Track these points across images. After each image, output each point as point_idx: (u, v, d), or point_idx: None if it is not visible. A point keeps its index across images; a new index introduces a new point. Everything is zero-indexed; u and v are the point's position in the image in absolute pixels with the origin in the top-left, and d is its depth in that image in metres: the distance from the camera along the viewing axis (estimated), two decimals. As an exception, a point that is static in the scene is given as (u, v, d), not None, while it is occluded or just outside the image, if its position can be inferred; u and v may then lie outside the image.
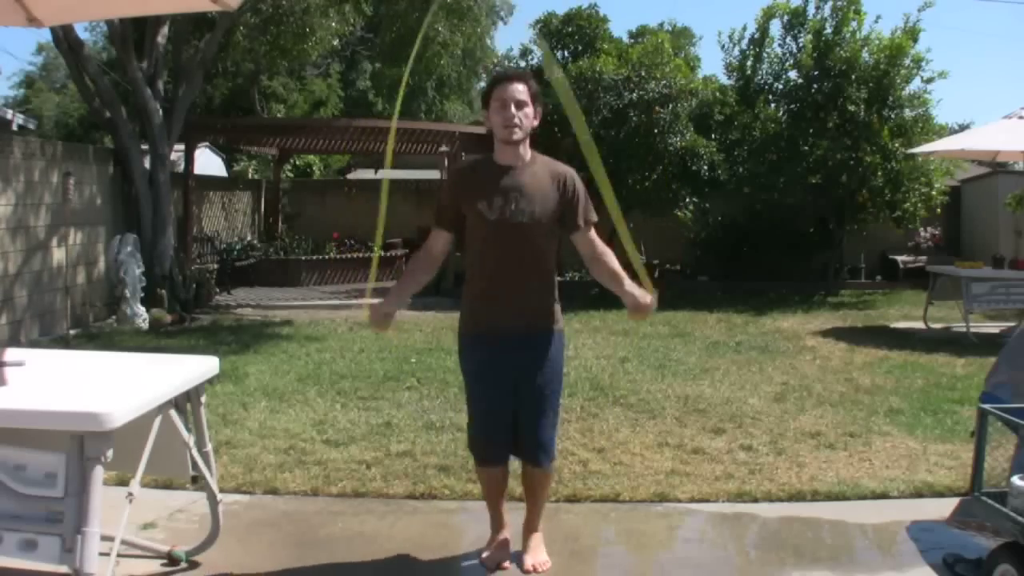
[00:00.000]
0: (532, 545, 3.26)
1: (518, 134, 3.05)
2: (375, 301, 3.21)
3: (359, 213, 14.63)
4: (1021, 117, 8.98)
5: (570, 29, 12.61)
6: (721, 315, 10.04)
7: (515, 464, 3.30)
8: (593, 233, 3.19)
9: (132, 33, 10.18)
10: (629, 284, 3.16)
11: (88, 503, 2.38)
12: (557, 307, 3.18)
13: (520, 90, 3.05)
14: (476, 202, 3.04)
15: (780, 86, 12.53)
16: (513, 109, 3.02)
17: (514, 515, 3.38)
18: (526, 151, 3.11)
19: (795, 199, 11.91)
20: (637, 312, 3.13)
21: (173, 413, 2.86)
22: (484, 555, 3.28)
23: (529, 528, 3.30)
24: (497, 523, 3.32)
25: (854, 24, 11.77)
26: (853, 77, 11.34)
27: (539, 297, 3.12)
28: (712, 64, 70.33)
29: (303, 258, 13.16)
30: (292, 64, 16.06)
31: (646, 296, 3.12)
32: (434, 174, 14.63)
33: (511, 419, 3.12)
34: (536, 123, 3.12)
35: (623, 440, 4.83)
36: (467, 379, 3.23)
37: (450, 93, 26.08)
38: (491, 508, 3.32)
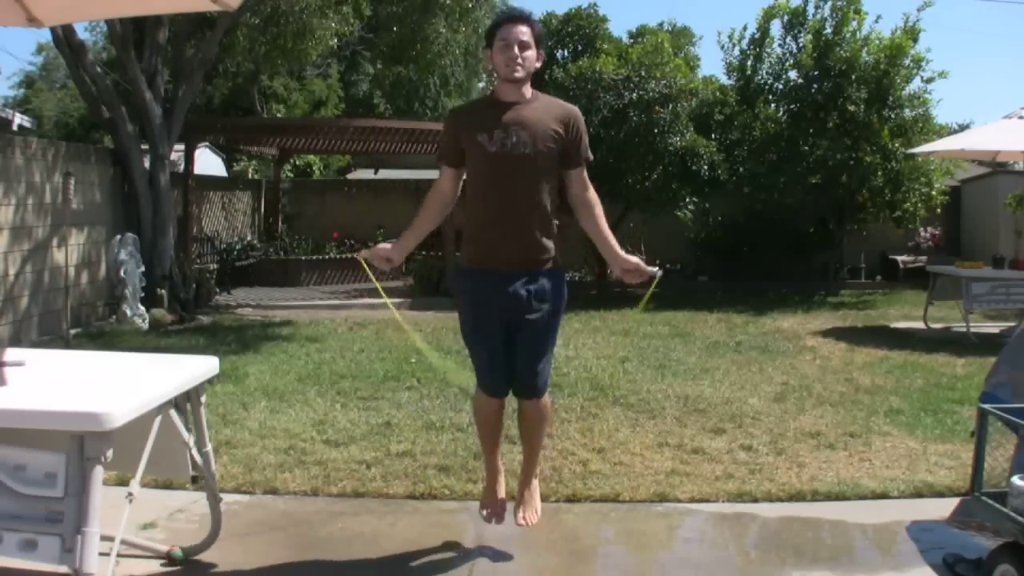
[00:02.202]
0: (525, 498, 3.33)
1: (520, 72, 3.06)
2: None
3: (359, 213, 14.64)
4: (1021, 117, 8.98)
5: (570, 29, 12.60)
6: (721, 315, 10.04)
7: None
8: (585, 175, 3.22)
9: (132, 33, 10.18)
10: (613, 244, 3.18)
11: (88, 503, 2.38)
12: (555, 243, 3.17)
13: (524, 31, 3.08)
14: (476, 134, 3.06)
15: (780, 86, 12.53)
16: (516, 50, 3.05)
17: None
18: (528, 90, 3.13)
19: (795, 199, 11.91)
20: (629, 275, 3.14)
21: (173, 413, 2.86)
22: (483, 512, 3.37)
23: (525, 477, 3.35)
24: (492, 469, 3.37)
25: (854, 24, 11.77)
26: (853, 77, 11.35)
27: (539, 231, 3.11)
28: (712, 64, 70.38)
29: (303, 258, 13.17)
30: (292, 64, 16.04)
31: (631, 258, 3.14)
32: (434, 174, 14.56)
33: (509, 351, 3.13)
34: (539, 65, 3.14)
35: (623, 440, 4.83)
36: (466, 310, 3.21)
37: (452, 92, 26.09)
38: (486, 451, 3.36)
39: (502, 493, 3.40)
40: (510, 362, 3.15)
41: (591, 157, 3.25)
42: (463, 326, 3.23)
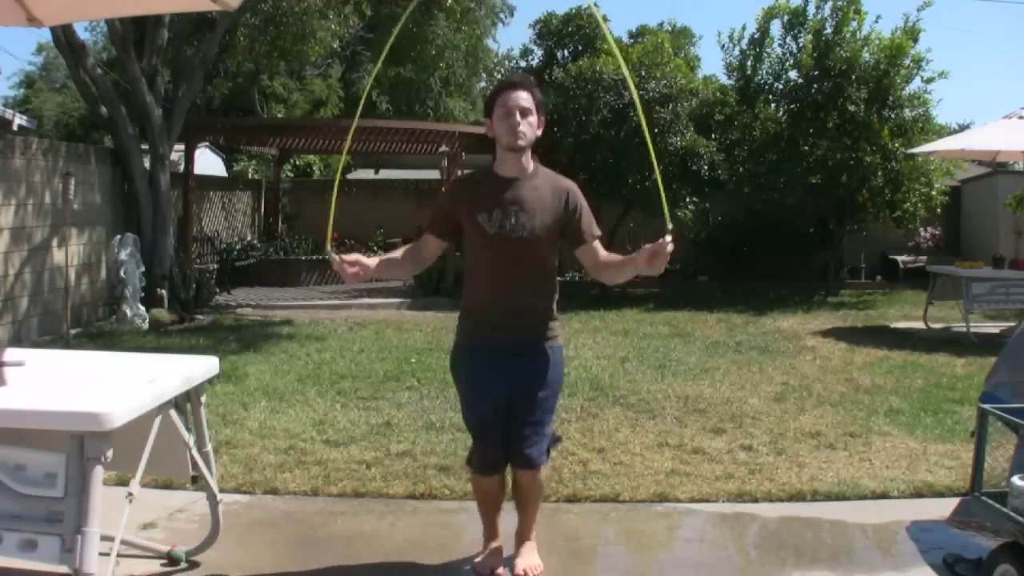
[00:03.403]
0: (524, 551, 3.24)
1: (523, 141, 3.00)
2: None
3: (359, 213, 14.63)
4: (1021, 117, 8.98)
5: (570, 29, 12.61)
6: (721, 315, 10.04)
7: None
8: (597, 244, 3.13)
9: (132, 33, 10.18)
10: (628, 259, 3.04)
11: (88, 503, 2.38)
12: (557, 322, 3.15)
13: (524, 98, 3.01)
14: (476, 214, 3.01)
15: (780, 86, 12.53)
16: (518, 117, 2.99)
17: (509, 523, 3.38)
18: (528, 162, 3.07)
19: (795, 199, 11.91)
20: (655, 259, 2.87)
21: (173, 413, 2.86)
22: (476, 560, 3.26)
23: (522, 537, 3.27)
24: (490, 533, 3.29)
25: (854, 24, 11.77)
26: (853, 77, 11.34)
27: (538, 311, 3.09)
28: (712, 64, 70.34)
29: (303, 258, 13.17)
30: (292, 64, 16.05)
31: (644, 248, 2.91)
32: (434, 174, 14.65)
33: (505, 430, 3.07)
34: (540, 132, 3.08)
35: (623, 440, 4.83)
36: (462, 389, 3.18)
37: (453, 91, 26.09)
38: (485, 518, 3.28)
39: (501, 554, 3.29)
40: (505, 442, 3.09)
41: (599, 232, 3.16)
42: (463, 406, 3.19)
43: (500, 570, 3.20)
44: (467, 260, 3.14)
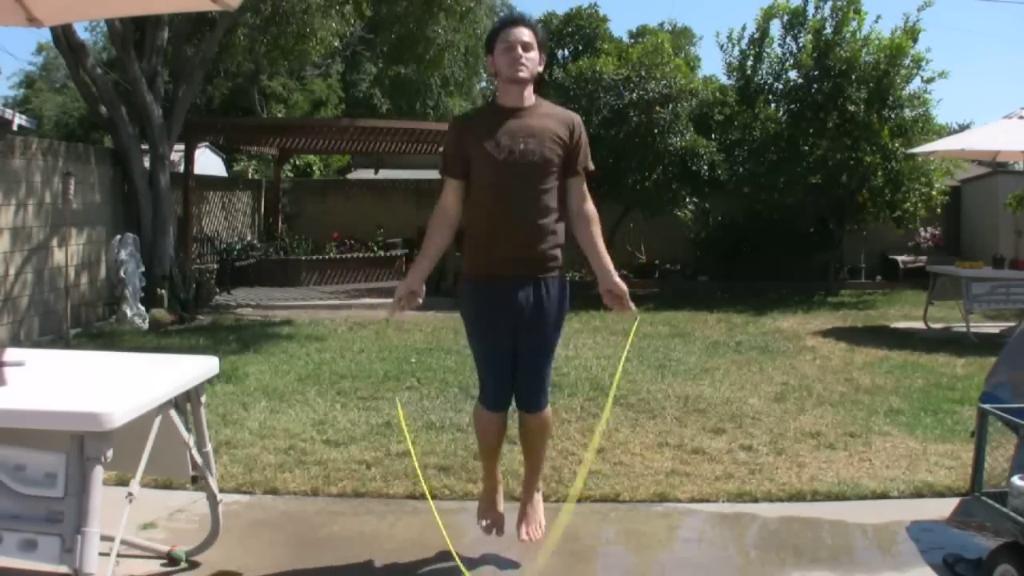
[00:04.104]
0: (528, 513, 3.28)
1: (524, 72, 3.04)
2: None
3: (359, 213, 14.64)
4: (1021, 117, 8.98)
5: (570, 29, 12.61)
6: (721, 315, 10.04)
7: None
8: (584, 187, 3.19)
9: (132, 33, 10.18)
10: (607, 261, 3.14)
11: (88, 503, 2.38)
12: (561, 249, 3.15)
13: (525, 33, 3.06)
14: (483, 142, 3.03)
15: (780, 86, 12.53)
16: (520, 50, 3.03)
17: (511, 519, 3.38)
18: (530, 95, 3.11)
19: (795, 199, 11.91)
20: (611, 298, 3.12)
21: (173, 413, 2.86)
22: (483, 523, 3.33)
23: (528, 490, 3.31)
24: (491, 480, 3.32)
25: (854, 24, 11.77)
26: (853, 77, 11.34)
27: (545, 237, 3.09)
28: (712, 64, 70.31)
29: (303, 258, 13.16)
30: (292, 64, 16.04)
31: (621, 285, 3.12)
32: (434, 174, 14.59)
33: (512, 361, 3.11)
34: (540, 68, 3.12)
35: (623, 440, 4.83)
36: (469, 322, 3.19)
37: (453, 91, 26.10)
38: (485, 463, 3.32)
39: (501, 506, 3.36)
40: (512, 376, 3.13)
41: (591, 167, 3.22)
42: (470, 337, 3.20)
43: (501, 531, 3.28)
44: (472, 193, 3.12)
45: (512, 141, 3.01)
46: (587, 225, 3.17)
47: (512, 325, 3.07)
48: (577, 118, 3.18)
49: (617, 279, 3.14)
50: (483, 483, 3.40)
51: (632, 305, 3.14)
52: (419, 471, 3.71)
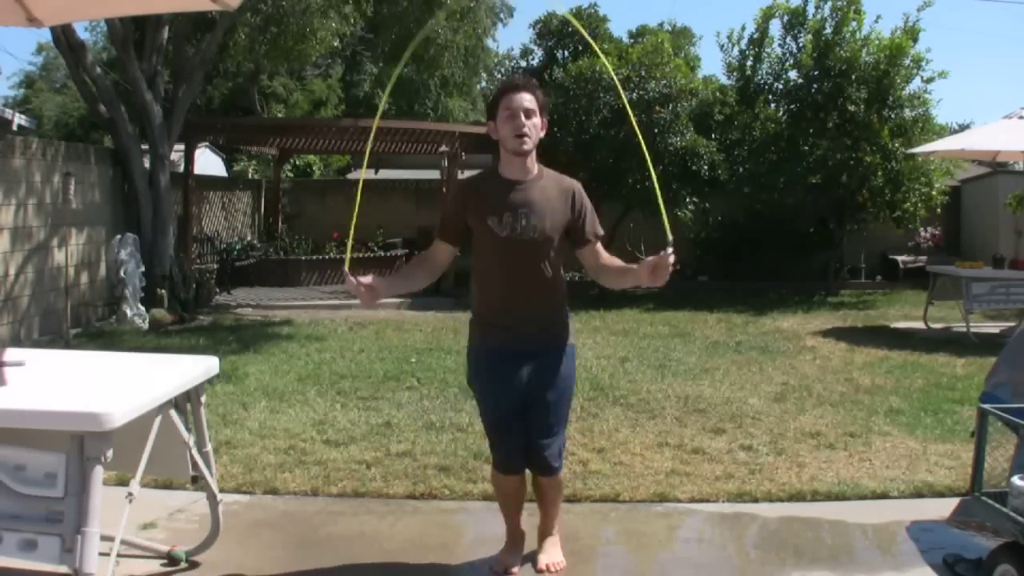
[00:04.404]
0: (547, 546, 3.26)
1: (528, 144, 3.00)
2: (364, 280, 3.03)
3: (359, 213, 14.61)
4: (1021, 117, 8.98)
5: (570, 29, 12.60)
6: (721, 315, 10.04)
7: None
8: (599, 246, 3.14)
9: (132, 33, 10.18)
10: (630, 268, 3.06)
11: (88, 503, 2.38)
12: (568, 320, 3.16)
13: (528, 99, 3.00)
14: (486, 218, 3.01)
15: (780, 86, 12.52)
16: (523, 118, 2.98)
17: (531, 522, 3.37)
18: (533, 164, 3.08)
19: (795, 199, 11.91)
20: (657, 272, 2.86)
21: (173, 413, 2.86)
22: (496, 560, 3.25)
23: (544, 532, 3.29)
24: (513, 532, 3.29)
25: (854, 24, 11.76)
26: (853, 77, 11.34)
27: (550, 311, 3.11)
28: (712, 64, 70.33)
29: (303, 258, 13.16)
30: (292, 64, 16.03)
31: (647, 260, 2.91)
32: (434, 174, 14.64)
33: (524, 430, 3.09)
34: (543, 134, 3.08)
35: (623, 440, 4.83)
36: (478, 393, 3.19)
37: (453, 91, 26.10)
38: (507, 518, 3.29)
39: (522, 552, 3.30)
40: (524, 439, 3.10)
41: (601, 232, 3.18)
42: (483, 409, 3.19)
43: (516, 569, 3.20)
44: (476, 264, 3.13)
45: (514, 218, 2.99)
46: (609, 274, 3.14)
47: (520, 393, 3.06)
48: (577, 186, 3.14)
49: (640, 267, 2.91)
50: (506, 536, 3.32)
51: (664, 253, 2.81)
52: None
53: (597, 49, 3.81)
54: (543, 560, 3.21)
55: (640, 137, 3.21)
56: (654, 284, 2.90)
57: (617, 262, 3.15)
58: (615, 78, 3.79)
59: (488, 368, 3.11)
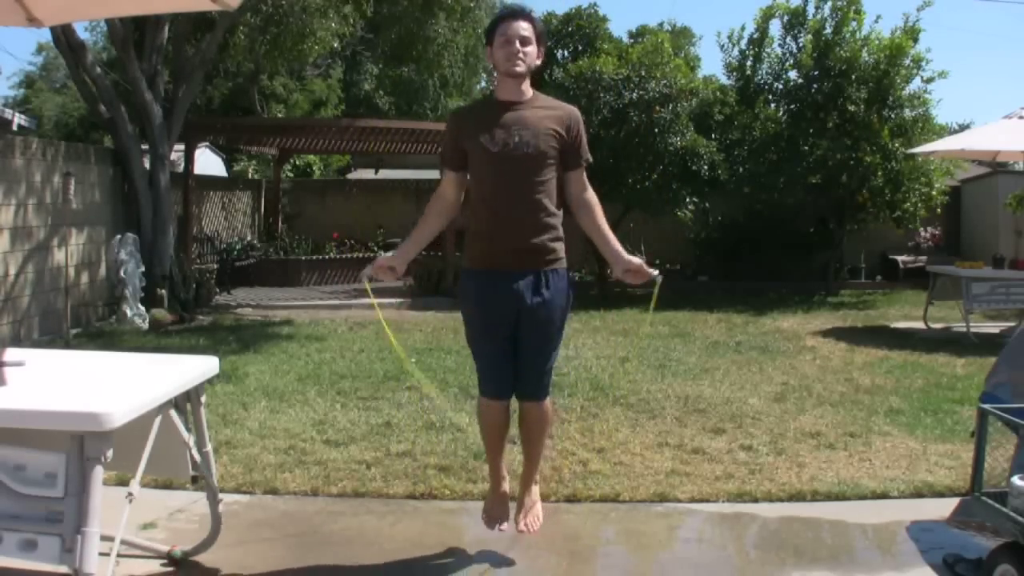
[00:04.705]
0: (527, 504, 3.28)
1: (521, 67, 3.05)
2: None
3: (359, 213, 14.63)
4: (1021, 117, 8.98)
5: (570, 29, 12.60)
6: (721, 315, 10.04)
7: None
8: (583, 174, 3.21)
9: (132, 33, 10.18)
10: (615, 244, 3.15)
11: (88, 503, 2.38)
12: (561, 243, 3.16)
13: (524, 27, 3.07)
14: (478, 135, 3.05)
15: (780, 86, 12.52)
16: (518, 44, 3.04)
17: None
18: (528, 88, 3.12)
19: (795, 199, 11.91)
20: (633, 275, 3.09)
21: (173, 413, 2.86)
22: (484, 510, 3.31)
23: (526, 482, 3.31)
24: (496, 476, 3.32)
25: (854, 24, 11.76)
26: (853, 77, 11.34)
27: (542, 229, 3.10)
28: (712, 64, 70.33)
29: (303, 258, 13.16)
30: (292, 64, 16.04)
31: (635, 259, 3.11)
32: (434, 174, 14.64)
33: (512, 356, 3.11)
34: (539, 62, 3.13)
35: (623, 440, 4.83)
36: (467, 310, 3.20)
37: (453, 91, 26.07)
38: (490, 456, 3.32)
39: (507, 507, 3.35)
40: (513, 365, 3.13)
41: (590, 159, 3.24)
42: (467, 328, 3.21)
43: (504, 526, 3.24)
44: (472, 186, 3.15)
45: (507, 134, 3.03)
46: (589, 212, 3.20)
47: (512, 314, 3.07)
48: (574, 111, 3.19)
49: (628, 256, 3.13)
50: (489, 481, 3.38)
51: (652, 271, 3.08)
52: (402, 356, 3.53)
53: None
54: (521, 520, 3.24)
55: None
56: (623, 279, 3.10)
57: (600, 213, 3.21)
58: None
59: (477, 290, 3.12)
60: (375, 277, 3.20)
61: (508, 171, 3.04)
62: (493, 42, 3.10)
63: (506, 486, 3.35)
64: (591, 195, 3.22)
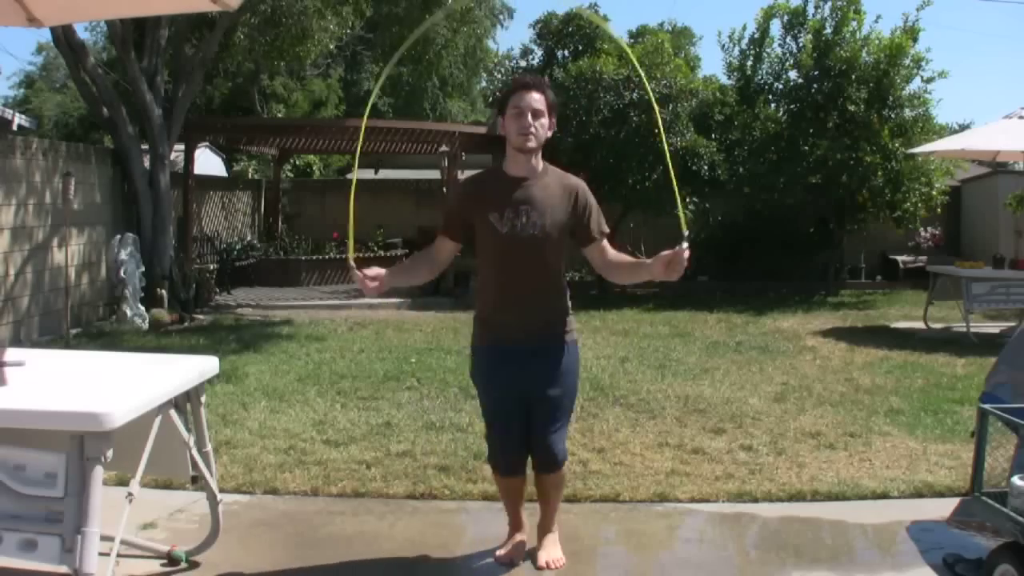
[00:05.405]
0: (547, 543, 3.27)
1: (533, 143, 3.02)
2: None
3: (359, 213, 14.58)
4: (1021, 117, 8.98)
5: (570, 29, 12.62)
6: (721, 315, 10.04)
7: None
8: (606, 243, 3.16)
9: (132, 33, 10.18)
10: (642, 263, 3.08)
11: (88, 503, 2.37)
12: (570, 317, 3.17)
13: (537, 99, 3.03)
14: (487, 214, 3.02)
15: (780, 86, 12.53)
16: (530, 118, 3.00)
17: (531, 520, 3.38)
18: (538, 162, 3.09)
19: (795, 199, 11.90)
20: (672, 266, 2.86)
21: (173, 413, 2.86)
22: (499, 552, 3.28)
23: (544, 529, 3.30)
24: (515, 525, 3.32)
25: (854, 24, 11.77)
26: (853, 77, 11.34)
27: (552, 308, 3.12)
28: (712, 64, 70.27)
29: (303, 258, 13.16)
30: (291, 64, 16.03)
31: (661, 255, 2.89)
32: (434, 174, 14.65)
33: (525, 430, 3.10)
34: (550, 134, 3.10)
35: (623, 440, 4.83)
36: (481, 390, 3.21)
37: (452, 92, 26.09)
38: (509, 510, 3.32)
39: (523, 549, 3.30)
40: (525, 443, 3.12)
41: (607, 230, 3.20)
42: (484, 408, 3.20)
43: (519, 560, 3.22)
44: (479, 261, 3.14)
45: (515, 214, 3.00)
46: (618, 271, 3.16)
47: (523, 391, 3.07)
48: (582, 185, 3.14)
49: (655, 261, 2.91)
50: (508, 523, 3.34)
51: (680, 246, 2.84)
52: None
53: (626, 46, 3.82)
54: (543, 557, 3.22)
55: (661, 130, 3.26)
56: (668, 278, 2.89)
57: (626, 258, 3.17)
58: (644, 76, 3.88)
59: (489, 366, 3.12)
60: (361, 278, 3.07)
61: (517, 252, 3.02)
62: (505, 112, 3.06)
63: (523, 535, 3.31)
64: (613, 256, 3.15)
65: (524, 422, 3.10)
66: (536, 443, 3.11)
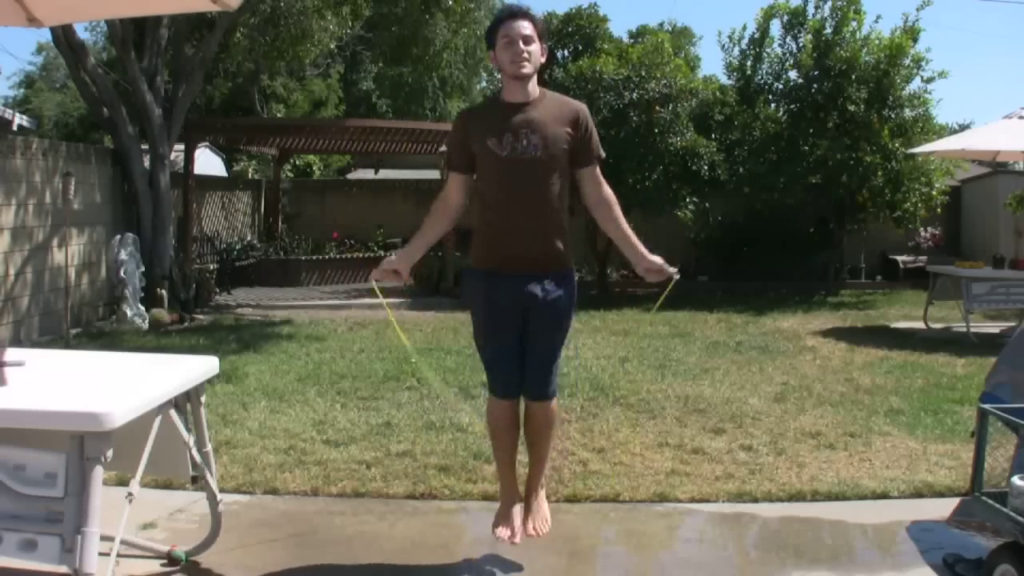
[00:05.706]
0: (533, 508, 3.26)
1: (527, 68, 3.03)
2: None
3: (359, 213, 14.64)
4: (1021, 117, 8.98)
5: (570, 29, 12.61)
6: (721, 315, 10.04)
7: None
8: (598, 171, 3.20)
9: (132, 33, 10.18)
10: (636, 244, 3.15)
11: (88, 503, 2.37)
12: (568, 245, 3.16)
13: (526, 26, 3.05)
14: (486, 139, 3.03)
15: (780, 86, 12.53)
16: (521, 44, 3.02)
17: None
18: (535, 87, 3.10)
19: (795, 199, 11.90)
20: (655, 274, 3.09)
21: (173, 413, 2.86)
22: (499, 531, 3.26)
23: (532, 485, 3.29)
24: (508, 490, 3.28)
25: (854, 24, 11.77)
26: (853, 77, 11.34)
27: (551, 234, 3.10)
28: (712, 64, 70.32)
29: (303, 258, 13.17)
30: (290, 65, 16.03)
31: (656, 259, 3.10)
32: (434, 174, 14.67)
33: (520, 353, 3.11)
34: (543, 60, 3.11)
35: (623, 440, 4.83)
36: (475, 317, 3.19)
37: (452, 92, 26.07)
38: (502, 465, 3.28)
39: (519, 517, 3.28)
40: (520, 364, 3.13)
41: (603, 155, 3.22)
42: (475, 329, 3.20)
43: (517, 538, 3.20)
44: (480, 188, 3.14)
45: (515, 138, 3.01)
46: (608, 211, 3.19)
47: (519, 315, 3.07)
48: (583, 108, 3.16)
49: (651, 256, 3.12)
50: (500, 492, 3.34)
51: (672, 269, 3.11)
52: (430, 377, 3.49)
53: None
54: (529, 524, 3.21)
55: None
56: (645, 277, 3.11)
57: (623, 223, 3.20)
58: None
59: (486, 291, 3.11)
60: (380, 279, 3.18)
61: (517, 175, 3.02)
62: (495, 44, 3.07)
63: (518, 508, 3.29)
64: (608, 193, 3.19)
65: (518, 346, 3.10)
66: (531, 369, 3.11)
